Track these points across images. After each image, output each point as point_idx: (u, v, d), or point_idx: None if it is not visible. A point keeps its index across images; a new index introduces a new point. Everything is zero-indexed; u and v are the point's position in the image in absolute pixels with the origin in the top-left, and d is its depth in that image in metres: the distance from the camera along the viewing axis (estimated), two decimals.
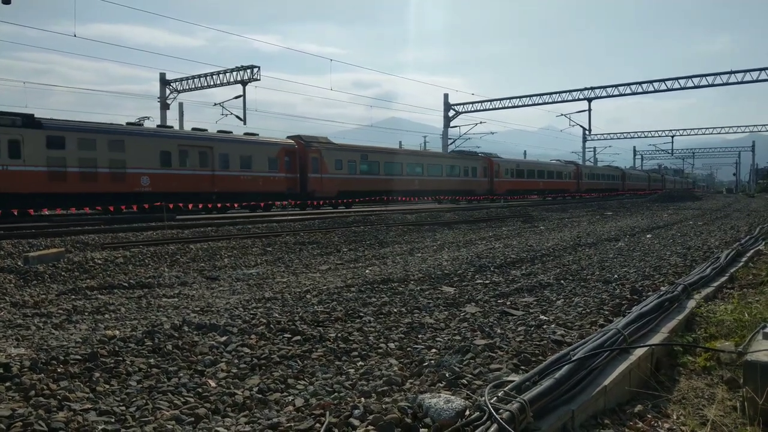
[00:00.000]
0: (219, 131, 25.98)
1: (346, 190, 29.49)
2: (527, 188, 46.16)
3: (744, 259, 7.65)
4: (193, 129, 25.63)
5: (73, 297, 6.50)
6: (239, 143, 25.36)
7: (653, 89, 42.29)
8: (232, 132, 26.38)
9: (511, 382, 2.78)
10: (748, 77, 38.59)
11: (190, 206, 22.77)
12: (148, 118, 29.85)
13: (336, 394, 3.07)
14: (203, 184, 23.58)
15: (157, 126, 24.74)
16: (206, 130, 25.57)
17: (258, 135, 27.15)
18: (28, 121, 19.25)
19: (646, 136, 74.59)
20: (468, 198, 38.95)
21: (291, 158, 27.03)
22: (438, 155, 40.78)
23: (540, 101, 47.09)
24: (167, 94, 35.83)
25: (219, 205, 24.38)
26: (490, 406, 2.39)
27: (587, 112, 46.13)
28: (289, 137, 28.50)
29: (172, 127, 25.66)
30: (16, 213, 20.74)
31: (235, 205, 25.08)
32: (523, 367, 3.35)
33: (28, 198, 19.11)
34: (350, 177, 29.81)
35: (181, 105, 36.70)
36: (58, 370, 3.37)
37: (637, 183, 70.84)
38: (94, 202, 21.05)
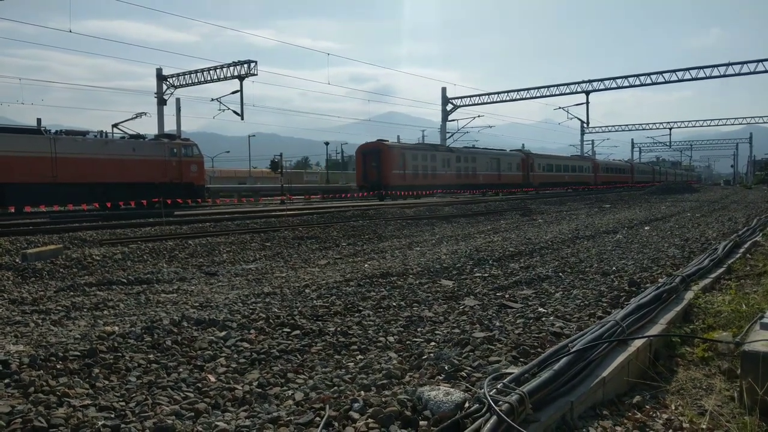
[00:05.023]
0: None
1: (542, 182, 49.55)
2: (611, 180, 63.54)
3: (741, 250, 7.67)
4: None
5: (72, 293, 6.49)
6: (506, 156, 46.24)
7: (650, 81, 42.27)
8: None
9: (510, 374, 2.79)
10: (745, 69, 38.57)
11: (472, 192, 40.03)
12: (146, 113, 29.74)
13: (335, 387, 3.08)
14: (494, 179, 43.43)
15: (463, 147, 44.85)
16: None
17: (506, 150, 48.14)
18: (448, 148, 40.88)
19: (643, 129, 74.61)
20: (581, 188, 55.11)
21: (522, 164, 47.40)
22: (572, 158, 59.57)
23: (538, 94, 47.05)
24: (164, 90, 35.69)
25: (494, 191, 42.73)
26: (489, 398, 2.40)
27: (585, 105, 46.14)
28: (512, 150, 49.84)
29: (478, 148, 45.68)
30: (13, 210, 20.72)
31: (495, 192, 42.96)
32: (522, 360, 3.36)
33: (447, 186, 37.24)
34: (544, 173, 50.74)
35: (178, 100, 36.54)
36: (58, 367, 3.36)
37: (668, 177, 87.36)
38: (468, 188, 39.27)
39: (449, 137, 50.69)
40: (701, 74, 40.13)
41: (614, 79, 43.75)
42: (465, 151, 42.30)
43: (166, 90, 35.78)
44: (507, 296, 5.29)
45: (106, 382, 3.18)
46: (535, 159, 49.72)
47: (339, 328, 4.25)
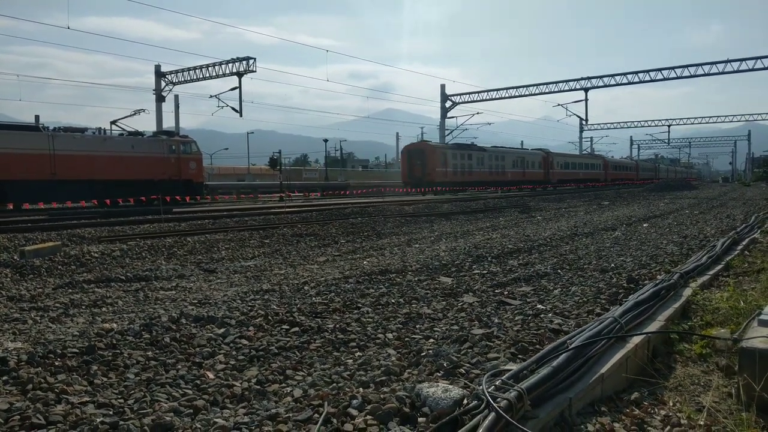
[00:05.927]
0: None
1: (560, 179, 52.62)
2: (619, 177, 67.35)
3: (740, 247, 7.68)
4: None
5: (70, 290, 6.48)
6: (531, 154, 50.30)
7: (650, 78, 42.18)
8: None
9: (509, 370, 2.79)
10: (744, 66, 38.52)
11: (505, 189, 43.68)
12: (144, 110, 29.69)
13: (334, 384, 3.08)
14: (519, 176, 46.59)
15: (492, 147, 46.35)
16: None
17: (528, 149, 53.66)
18: (480, 148, 43.19)
19: (642, 126, 74.53)
20: (594, 184, 58.33)
21: (543, 162, 50.57)
22: (585, 157, 65.28)
23: (537, 92, 46.96)
24: (162, 87, 35.59)
25: (516, 188, 45.22)
26: (487, 395, 2.40)
27: (584, 102, 46.08)
28: (533, 149, 54.77)
29: (505, 147, 48.46)
30: (11, 207, 20.70)
31: (520, 188, 45.74)
32: (520, 356, 3.36)
33: (480, 183, 41.60)
34: (562, 171, 53.72)
35: (176, 97, 36.46)
36: (56, 364, 3.36)
37: (669, 175, 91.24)
38: (498, 185, 43.08)
39: (448, 134, 50.58)
40: (700, 71, 40.07)
41: (613, 76, 43.67)
42: (495, 151, 45.36)
43: (165, 87, 35.66)
44: (506, 293, 5.29)
45: (105, 379, 3.18)
46: (554, 157, 53.02)
47: (338, 325, 4.25)
